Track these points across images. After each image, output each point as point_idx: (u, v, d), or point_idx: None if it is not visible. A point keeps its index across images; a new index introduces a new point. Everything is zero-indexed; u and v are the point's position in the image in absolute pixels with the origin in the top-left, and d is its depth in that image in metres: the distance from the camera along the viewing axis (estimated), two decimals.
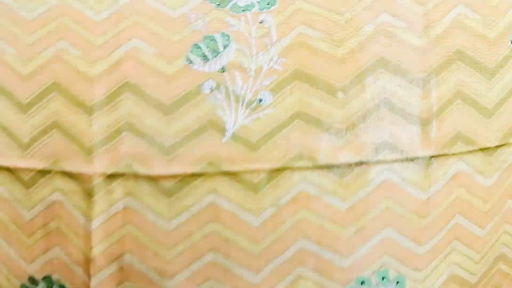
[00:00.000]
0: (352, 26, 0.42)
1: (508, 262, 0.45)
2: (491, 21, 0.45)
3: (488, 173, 0.43)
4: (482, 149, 0.43)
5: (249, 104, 0.40)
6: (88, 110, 0.41)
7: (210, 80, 0.41)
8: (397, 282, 0.42)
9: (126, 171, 0.40)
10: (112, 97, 0.41)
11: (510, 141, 0.44)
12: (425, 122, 0.41)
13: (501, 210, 0.44)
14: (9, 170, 0.42)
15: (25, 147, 0.42)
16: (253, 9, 0.42)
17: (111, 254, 0.41)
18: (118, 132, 0.40)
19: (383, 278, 0.42)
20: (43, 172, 0.42)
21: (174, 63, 0.41)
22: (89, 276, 0.42)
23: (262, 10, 0.42)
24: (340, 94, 0.40)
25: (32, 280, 0.45)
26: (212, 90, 0.40)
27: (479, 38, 0.44)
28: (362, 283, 0.42)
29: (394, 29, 0.42)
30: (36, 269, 0.44)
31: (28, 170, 0.42)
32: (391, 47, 0.42)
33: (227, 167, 0.39)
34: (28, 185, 0.42)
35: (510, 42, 0.45)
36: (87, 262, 0.42)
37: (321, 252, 0.40)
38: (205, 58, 0.41)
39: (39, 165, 0.42)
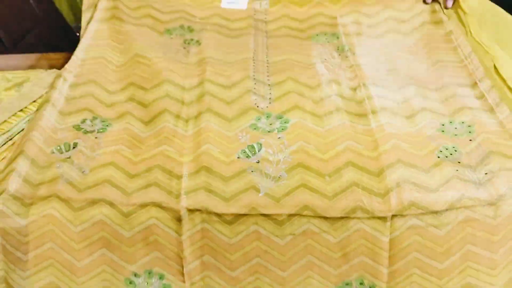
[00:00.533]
0: (330, 143, 0.75)
1: None
2: None
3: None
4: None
5: (274, 178, 0.72)
6: (178, 177, 0.72)
7: (251, 166, 0.73)
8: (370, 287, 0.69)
9: (202, 208, 0.69)
10: (193, 173, 0.72)
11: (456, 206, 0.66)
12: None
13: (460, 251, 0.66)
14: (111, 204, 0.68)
15: (129, 194, 0.70)
16: (275, 131, 0.77)
17: (196, 255, 0.68)
18: (196, 188, 0.70)
19: (360, 283, 0.69)
20: (142, 206, 0.69)
21: (231, 157, 0.74)
22: (182, 267, 0.68)
23: (279, 132, 0.77)
24: (327, 178, 0.71)
25: (135, 274, 0.70)
26: (252, 171, 0.72)
27: None
28: (347, 284, 0.69)
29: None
30: (138, 267, 0.69)
31: (129, 205, 0.69)
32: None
33: (263, 211, 0.69)
34: (127, 215, 0.68)
35: None
36: (180, 259, 0.68)
37: (322, 264, 0.68)
38: (248, 156, 0.74)
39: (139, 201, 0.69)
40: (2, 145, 0.78)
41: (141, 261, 0.69)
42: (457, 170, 0.69)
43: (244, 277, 0.69)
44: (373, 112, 0.78)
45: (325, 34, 0.98)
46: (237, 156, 0.74)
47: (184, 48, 0.95)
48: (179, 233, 0.67)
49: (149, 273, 0.70)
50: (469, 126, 0.76)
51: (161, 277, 0.70)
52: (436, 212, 0.65)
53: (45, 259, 0.68)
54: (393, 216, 0.65)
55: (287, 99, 0.82)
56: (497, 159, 0.69)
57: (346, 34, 0.97)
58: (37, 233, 0.67)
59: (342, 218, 0.66)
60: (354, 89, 0.83)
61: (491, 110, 0.79)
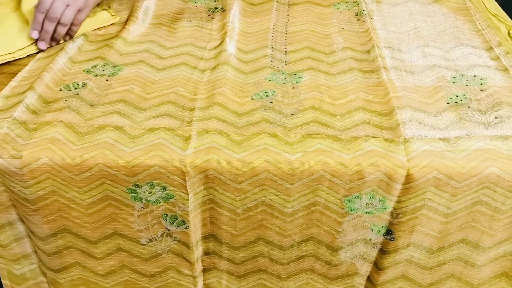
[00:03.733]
0: (342, 93, 0.74)
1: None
2: None
3: None
4: None
5: (286, 115, 0.69)
6: (191, 109, 0.70)
7: (264, 106, 0.71)
8: (380, 201, 0.64)
9: (213, 129, 0.66)
10: (206, 107, 0.70)
11: None
12: None
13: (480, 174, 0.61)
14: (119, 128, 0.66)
15: (138, 122, 0.67)
16: (289, 83, 0.76)
17: (200, 169, 0.63)
18: (209, 117, 0.68)
19: (371, 197, 0.63)
20: (152, 130, 0.66)
21: (244, 99, 0.73)
22: (185, 180, 0.63)
23: (293, 84, 0.76)
24: (338, 117, 0.69)
25: (136, 185, 0.65)
26: (265, 109, 0.71)
27: None
28: (357, 197, 0.63)
29: None
30: (138, 179, 0.64)
31: (138, 129, 0.66)
32: None
33: (273, 132, 0.66)
34: (134, 137, 0.65)
35: None
36: (183, 173, 0.63)
37: (332, 178, 0.62)
38: (261, 98, 0.73)
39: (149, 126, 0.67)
40: None
41: (142, 174, 0.63)
42: (466, 113, 0.68)
43: (250, 188, 0.64)
44: (385, 68, 0.78)
45: (346, 2, 1.00)
46: (251, 98, 0.73)
47: (209, 15, 0.97)
48: (183, 148, 0.63)
49: (151, 185, 0.64)
50: (481, 79, 0.75)
51: (163, 188, 0.64)
52: (447, 140, 0.64)
53: (41, 173, 0.63)
54: (406, 140, 0.63)
55: (302, 62, 0.82)
56: (507, 108, 0.69)
57: (366, 1, 1.00)
58: (33, 150, 0.63)
59: (354, 139, 0.64)
60: (368, 51, 0.83)
61: (505, 70, 0.77)
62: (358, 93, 0.73)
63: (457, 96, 0.71)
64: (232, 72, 0.78)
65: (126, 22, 0.92)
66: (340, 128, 0.66)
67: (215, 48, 0.85)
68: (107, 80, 0.76)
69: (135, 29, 0.90)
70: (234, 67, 0.80)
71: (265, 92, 0.73)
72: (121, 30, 0.89)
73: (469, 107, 0.69)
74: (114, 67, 0.79)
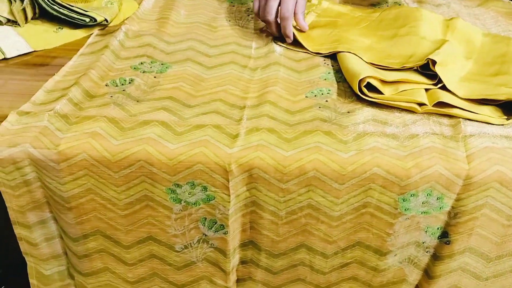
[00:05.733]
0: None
1: None
2: None
3: None
4: None
5: (343, 114, 0.67)
6: (241, 108, 0.67)
7: (319, 104, 0.69)
8: (437, 198, 0.60)
9: (263, 127, 0.63)
10: (257, 105, 0.68)
11: None
12: None
13: None
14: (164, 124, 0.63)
15: (186, 119, 0.65)
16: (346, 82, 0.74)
17: (244, 168, 0.60)
18: (260, 115, 0.66)
19: (428, 195, 0.60)
20: (199, 127, 0.63)
21: (298, 97, 0.71)
22: (228, 180, 0.60)
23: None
24: None
25: (177, 185, 0.62)
26: (320, 107, 0.68)
27: None
28: (413, 195, 0.60)
29: None
30: (179, 178, 0.61)
31: (184, 126, 0.63)
32: None
33: (326, 129, 0.63)
34: (179, 133, 0.62)
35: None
36: (226, 172, 0.60)
37: (387, 176, 0.59)
38: (316, 95, 0.71)
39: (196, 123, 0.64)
40: None
41: (183, 173, 0.60)
42: None
43: (296, 189, 0.61)
44: None
45: (386, 2, 1.00)
46: (305, 96, 0.71)
47: (248, 15, 0.95)
48: (230, 146, 0.60)
49: (191, 184, 0.61)
50: None
51: (205, 188, 0.61)
52: (510, 137, 0.62)
53: (79, 169, 0.60)
54: (465, 137, 0.62)
55: None
56: None
57: (407, 2, 1.00)
58: (72, 144, 0.60)
59: (412, 137, 0.62)
60: None
61: None
62: None
63: None
64: (285, 71, 0.76)
65: (159, 20, 0.92)
66: (398, 125, 0.64)
67: (262, 47, 0.84)
68: (155, 77, 0.74)
69: (172, 29, 0.89)
70: (286, 66, 0.78)
71: (320, 90, 0.71)
72: (158, 30, 0.88)
73: None
74: (162, 64, 0.77)
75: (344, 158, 0.59)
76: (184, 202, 0.62)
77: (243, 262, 0.69)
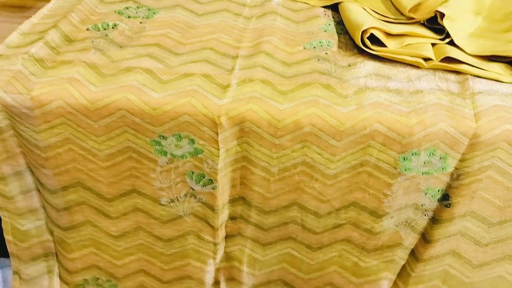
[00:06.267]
0: None
1: None
2: None
3: None
4: None
5: (343, 67, 0.62)
6: (233, 57, 0.63)
7: (318, 56, 0.64)
8: (441, 158, 0.57)
9: (257, 78, 0.59)
10: (251, 55, 0.63)
11: None
12: None
13: None
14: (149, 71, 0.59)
15: (172, 66, 0.60)
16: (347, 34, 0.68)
17: (235, 121, 0.56)
18: (253, 66, 0.61)
19: (430, 154, 0.56)
20: (187, 75, 0.59)
21: (295, 48, 0.66)
22: (216, 133, 0.56)
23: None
24: None
25: (162, 137, 0.57)
26: (319, 60, 0.63)
27: None
28: (414, 154, 0.56)
29: None
30: (165, 129, 0.57)
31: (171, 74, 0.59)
32: None
33: (325, 83, 0.59)
34: (165, 82, 0.58)
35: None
36: (215, 125, 0.55)
37: (388, 133, 0.55)
38: (315, 47, 0.66)
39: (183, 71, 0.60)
40: None
41: (169, 124, 0.56)
42: None
43: (290, 145, 0.57)
44: None
45: None
46: (303, 47, 0.66)
47: None
48: (220, 97, 0.56)
49: (178, 137, 0.57)
50: None
51: (192, 141, 0.57)
52: None
53: (56, 117, 0.56)
54: (473, 93, 0.57)
55: None
56: None
57: None
58: (47, 89, 0.55)
59: (417, 92, 0.58)
60: None
61: None
62: None
63: None
64: (282, 21, 0.71)
65: None
66: (402, 80, 0.59)
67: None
68: (140, 22, 0.68)
69: None
70: (283, 16, 0.72)
71: (320, 42, 0.66)
72: None
73: None
74: (148, 9, 0.72)
75: (343, 113, 0.55)
76: (170, 154, 0.59)
77: (232, 218, 0.66)
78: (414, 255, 0.66)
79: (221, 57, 0.62)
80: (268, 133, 0.56)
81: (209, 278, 0.72)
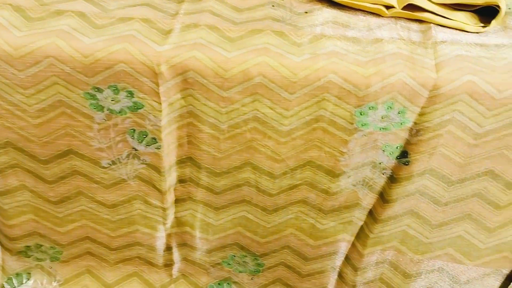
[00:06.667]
0: None
1: None
2: None
3: None
4: None
5: (300, 14, 0.57)
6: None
7: (273, 2, 0.58)
8: (399, 112, 0.53)
9: (202, 23, 0.53)
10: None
11: None
12: None
13: None
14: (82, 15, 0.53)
15: (110, 10, 0.54)
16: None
17: (177, 71, 0.51)
18: (201, 10, 0.55)
19: (388, 107, 0.52)
20: (124, 20, 0.53)
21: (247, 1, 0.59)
22: (157, 84, 0.51)
23: None
24: None
25: (96, 89, 0.52)
26: (273, 6, 0.58)
27: None
28: (371, 108, 0.52)
29: None
30: (99, 80, 0.51)
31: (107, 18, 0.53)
32: None
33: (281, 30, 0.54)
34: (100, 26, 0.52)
35: None
36: (155, 75, 0.50)
37: (344, 84, 0.51)
38: None
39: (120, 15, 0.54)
40: None
41: (103, 74, 0.50)
42: None
43: (240, 98, 0.52)
44: None
45: None
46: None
47: None
48: (159, 43, 0.50)
49: (115, 89, 0.51)
50: None
51: (130, 94, 0.52)
52: (486, 46, 0.54)
53: None
54: (436, 43, 0.53)
55: None
56: None
57: None
58: None
59: (377, 41, 0.54)
60: None
61: None
62: None
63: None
64: None
65: None
66: (361, 28, 0.55)
67: None
68: None
69: None
70: None
71: None
72: None
73: None
74: None
75: (296, 62, 0.50)
76: (107, 110, 0.53)
77: (181, 180, 0.62)
78: (372, 215, 0.63)
79: (165, 1, 0.56)
80: (214, 84, 0.51)
81: (160, 244, 0.68)
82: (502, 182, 0.58)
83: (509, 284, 0.67)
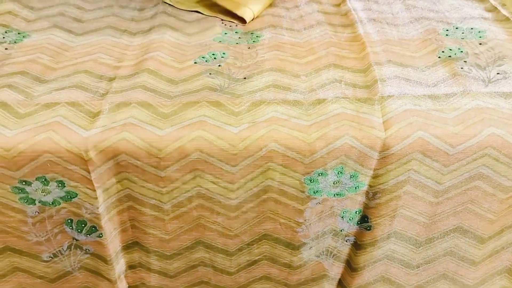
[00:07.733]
0: (310, 50, 0.61)
1: None
2: None
3: None
4: None
5: (237, 80, 0.54)
6: (110, 79, 0.54)
7: (210, 70, 0.56)
8: (351, 176, 0.49)
9: (133, 101, 0.50)
10: (131, 75, 0.55)
11: None
12: None
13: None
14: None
15: (35, 96, 0.51)
16: (244, 43, 0.61)
17: (107, 155, 0.47)
18: (133, 87, 0.53)
19: (339, 173, 0.49)
20: (49, 106, 0.49)
21: (185, 63, 0.57)
22: (88, 171, 0.47)
23: (250, 43, 0.62)
24: (303, 77, 0.55)
25: (24, 182, 0.48)
26: (211, 74, 0.55)
27: None
28: (321, 174, 0.49)
29: None
30: (25, 173, 0.47)
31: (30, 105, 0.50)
32: None
33: (218, 100, 0.50)
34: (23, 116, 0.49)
35: None
36: (84, 162, 0.46)
37: (287, 152, 0.47)
38: (207, 61, 0.58)
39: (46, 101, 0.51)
40: None
41: (29, 166, 0.46)
42: (461, 68, 0.56)
43: (179, 176, 0.49)
44: (361, 21, 0.66)
45: None
46: (193, 61, 0.58)
47: None
48: (86, 128, 0.47)
49: (44, 180, 0.47)
50: (479, 31, 0.63)
51: (61, 184, 0.48)
52: (436, 98, 0.51)
53: None
54: (382, 98, 0.51)
55: (261, 20, 0.68)
56: None
57: None
58: None
59: (319, 102, 0.50)
60: (338, 5, 0.71)
61: (507, 20, 0.66)
62: (329, 48, 0.60)
63: (450, 49, 0.59)
64: (172, 34, 0.63)
65: None
66: (303, 90, 0.52)
67: (149, 9, 0.70)
68: (6, 49, 0.59)
69: None
70: (174, 28, 0.65)
71: (213, 55, 0.58)
72: None
73: (465, 61, 0.56)
74: (18, 33, 0.63)
75: (233, 133, 0.47)
76: (39, 202, 0.49)
77: (131, 266, 0.57)
78: (342, 285, 0.58)
79: (96, 81, 0.53)
80: (149, 164, 0.47)
81: None
82: (473, 237, 0.54)
83: None
